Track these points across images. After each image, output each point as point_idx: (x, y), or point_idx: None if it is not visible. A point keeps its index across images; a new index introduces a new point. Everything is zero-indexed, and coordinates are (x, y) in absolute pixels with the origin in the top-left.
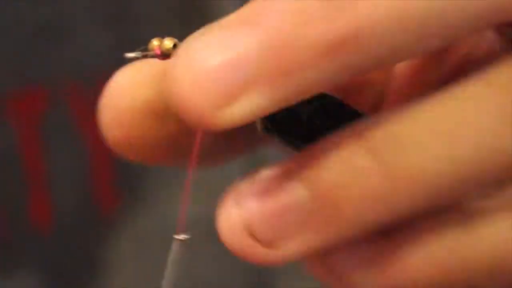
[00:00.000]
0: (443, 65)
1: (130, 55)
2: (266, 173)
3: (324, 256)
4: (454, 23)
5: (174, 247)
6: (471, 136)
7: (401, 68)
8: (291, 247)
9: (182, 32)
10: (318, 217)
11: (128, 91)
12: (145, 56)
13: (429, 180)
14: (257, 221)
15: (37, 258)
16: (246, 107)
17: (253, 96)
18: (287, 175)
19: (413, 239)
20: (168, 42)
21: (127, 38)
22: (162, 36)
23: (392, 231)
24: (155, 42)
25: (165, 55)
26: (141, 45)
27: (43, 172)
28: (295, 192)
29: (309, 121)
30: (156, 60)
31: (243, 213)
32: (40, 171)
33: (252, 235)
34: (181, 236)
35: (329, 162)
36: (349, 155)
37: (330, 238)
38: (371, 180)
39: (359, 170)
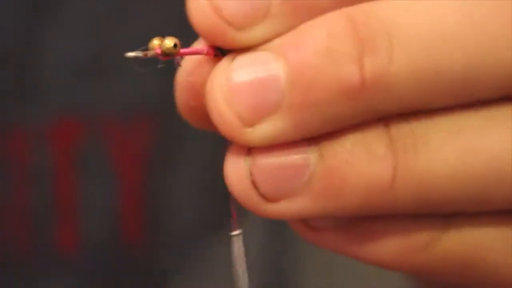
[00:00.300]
0: None
1: (131, 54)
2: None
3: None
4: (479, 85)
5: (234, 243)
6: (489, 157)
7: None
8: (288, 207)
9: None
10: (320, 185)
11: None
12: (145, 55)
13: (434, 187)
14: (263, 174)
15: (58, 284)
16: (269, 129)
17: (276, 120)
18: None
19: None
20: (168, 42)
21: (169, 79)
22: (162, 35)
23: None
24: (155, 41)
25: (165, 54)
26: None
27: (73, 201)
28: (307, 155)
29: None
30: None
31: (252, 163)
32: (71, 200)
33: (256, 187)
34: (236, 232)
35: (348, 137)
36: (370, 138)
37: (325, 208)
38: (381, 168)
39: (374, 155)
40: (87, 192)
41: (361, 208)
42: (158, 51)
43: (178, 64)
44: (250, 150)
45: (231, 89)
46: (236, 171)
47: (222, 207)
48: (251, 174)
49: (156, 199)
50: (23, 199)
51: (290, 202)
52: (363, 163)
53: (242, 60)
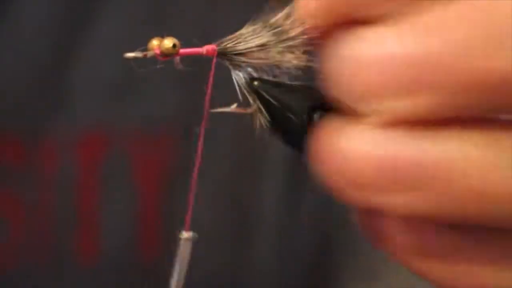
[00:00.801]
0: None
1: (130, 55)
2: None
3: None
4: None
5: (182, 245)
6: None
7: None
8: (400, 202)
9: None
10: (427, 183)
11: None
12: (145, 56)
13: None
14: (376, 166)
15: None
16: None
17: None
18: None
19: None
20: (167, 42)
21: (193, 97)
22: (162, 36)
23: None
24: (154, 42)
25: (165, 54)
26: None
27: (95, 210)
28: (421, 150)
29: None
30: None
31: (366, 150)
32: (93, 209)
33: (361, 176)
34: (187, 234)
35: (480, 138)
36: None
37: (440, 209)
38: (490, 174)
39: (485, 160)
40: (108, 203)
41: (476, 216)
42: (157, 51)
43: (177, 65)
44: (363, 143)
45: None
46: (344, 160)
47: (236, 218)
48: (365, 163)
49: (174, 212)
50: (48, 206)
51: (402, 196)
52: (494, 169)
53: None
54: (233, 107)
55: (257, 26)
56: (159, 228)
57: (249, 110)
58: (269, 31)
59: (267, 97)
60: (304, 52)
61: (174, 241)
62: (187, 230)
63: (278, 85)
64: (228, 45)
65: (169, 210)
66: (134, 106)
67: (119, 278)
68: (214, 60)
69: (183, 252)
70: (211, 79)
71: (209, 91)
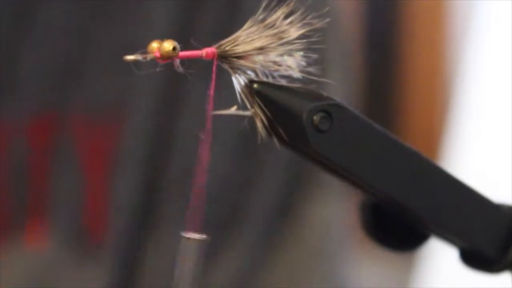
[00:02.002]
0: None
1: (130, 57)
2: None
3: None
4: None
5: (182, 245)
6: None
7: None
8: None
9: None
10: None
11: None
12: (145, 58)
13: None
14: None
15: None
16: None
17: None
18: None
19: None
20: (167, 45)
21: (140, 82)
22: (161, 38)
23: None
24: (154, 45)
25: (164, 57)
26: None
27: (45, 193)
28: None
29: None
30: None
31: None
32: (43, 192)
33: None
34: (190, 235)
35: None
36: None
37: None
38: None
39: None
40: (57, 186)
41: None
42: (157, 54)
43: (178, 68)
44: None
45: None
46: None
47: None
48: None
49: (121, 195)
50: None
51: None
52: None
53: None
54: (233, 109)
55: (255, 26)
56: (106, 208)
57: (249, 112)
58: (267, 33)
59: (267, 99)
60: (303, 55)
61: (121, 219)
62: (192, 231)
63: (277, 87)
64: (227, 48)
65: (116, 193)
66: (80, 92)
67: (68, 259)
68: (215, 63)
69: (184, 253)
70: (213, 82)
71: (212, 93)
